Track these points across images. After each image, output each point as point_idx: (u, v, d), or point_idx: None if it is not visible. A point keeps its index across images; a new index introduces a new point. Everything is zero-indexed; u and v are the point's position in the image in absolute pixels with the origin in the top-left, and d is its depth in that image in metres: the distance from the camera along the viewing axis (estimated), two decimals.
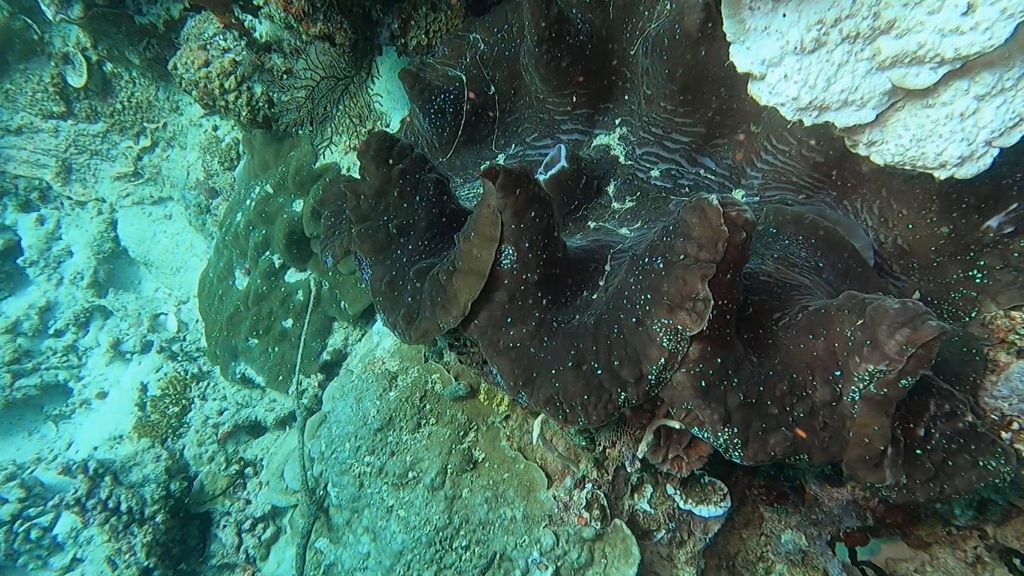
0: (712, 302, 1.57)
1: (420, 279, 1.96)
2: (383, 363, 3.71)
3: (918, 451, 1.60)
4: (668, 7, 2.47)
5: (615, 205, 2.48)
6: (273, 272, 4.95)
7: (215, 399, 5.61)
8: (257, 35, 5.09)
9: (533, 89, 2.75)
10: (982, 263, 2.16)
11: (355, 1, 3.58)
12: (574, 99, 2.67)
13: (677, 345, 1.62)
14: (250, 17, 5.07)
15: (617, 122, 2.71)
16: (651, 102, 2.51)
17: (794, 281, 1.96)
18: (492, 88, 2.80)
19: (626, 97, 2.70)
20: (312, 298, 4.58)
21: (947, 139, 1.78)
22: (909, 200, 2.23)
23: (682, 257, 1.62)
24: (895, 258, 2.32)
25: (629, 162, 2.59)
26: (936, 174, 1.85)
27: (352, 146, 4.39)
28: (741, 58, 1.93)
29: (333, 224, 2.42)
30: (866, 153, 1.95)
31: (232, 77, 4.75)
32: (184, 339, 6.50)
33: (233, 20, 4.83)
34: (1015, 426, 1.91)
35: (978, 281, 2.18)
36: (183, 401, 5.67)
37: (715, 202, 1.58)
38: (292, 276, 4.93)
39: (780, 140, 2.37)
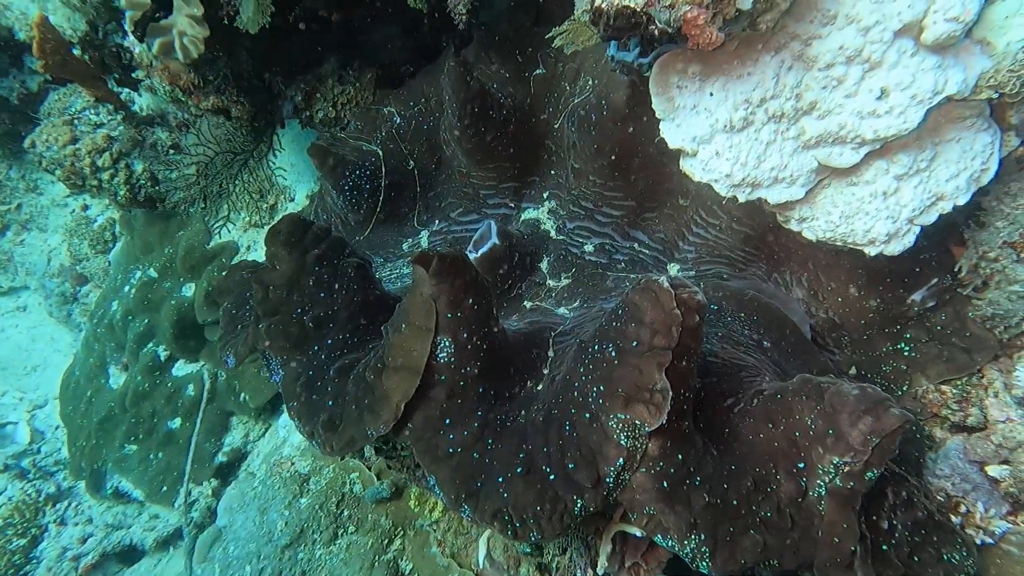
0: (671, 392, 1.51)
1: (343, 378, 1.79)
2: (292, 464, 3.39)
3: (884, 547, 1.58)
4: (591, 82, 2.54)
5: (550, 283, 2.44)
6: (157, 366, 4.50)
7: (77, 523, 4.87)
8: (136, 108, 4.83)
9: (456, 163, 2.72)
10: (908, 336, 2.27)
11: (253, 73, 3.48)
12: (499, 173, 2.66)
13: (635, 442, 1.54)
14: (127, 90, 4.82)
15: (545, 195, 2.71)
16: (580, 176, 2.53)
17: (741, 361, 1.96)
18: (411, 163, 2.74)
19: (552, 171, 2.72)
20: (205, 392, 4.18)
21: (874, 216, 1.88)
22: (836, 274, 2.33)
23: (635, 344, 1.56)
24: (827, 331, 2.40)
25: (561, 237, 2.57)
26: (866, 250, 1.94)
27: (252, 223, 4.16)
28: (672, 135, 1.99)
29: (235, 317, 2.20)
30: (798, 229, 2.02)
31: (107, 154, 4.44)
32: (38, 451, 5.68)
33: (106, 93, 4.57)
34: (962, 508, 1.96)
35: (906, 354, 2.28)
36: (32, 531, 4.87)
37: (666, 284, 1.56)
38: (181, 369, 4.50)
39: (709, 214, 2.45)
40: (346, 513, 2.96)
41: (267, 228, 4.52)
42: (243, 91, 3.39)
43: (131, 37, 3.15)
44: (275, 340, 1.84)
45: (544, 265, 2.51)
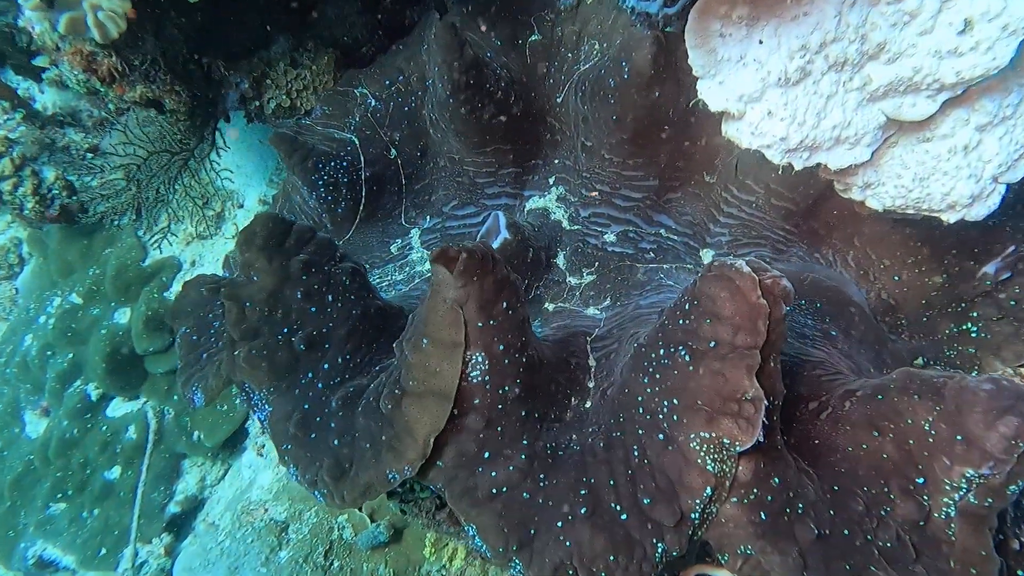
0: (763, 401, 1.32)
1: (349, 411, 1.54)
2: (264, 510, 3.10)
3: (1021, 572, 1.43)
4: (598, 46, 2.35)
5: (571, 280, 2.23)
6: (88, 407, 4.11)
7: None
8: (39, 106, 4.41)
9: (446, 149, 2.49)
10: (976, 314, 2.15)
11: (188, 56, 3.16)
12: (498, 157, 2.45)
13: (723, 466, 1.35)
14: (27, 83, 4.40)
15: (551, 181, 2.51)
16: (593, 155, 2.34)
17: (811, 357, 1.80)
18: (393, 151, 2.49)
19: (557, 152, 2.53)
20: (151, 434, 3.82)
21: (953, 176, 1.75)
22: (890, 249, 2.21)
23: (713, 344, 1.37)
24: (881, 315, 2.27)
25: (575, 227, 2.37)
26: (944, 217, 1.80)
27: (196, 235, 3.82)
28: (713, 95, 1.81)
29: (196, 344, 1.92)
30: (861, 197, 1.88)
31: (5, 160, 4.02)
32: None
33: None
34: None
35: (975, 335, 2.16)
36: None
37: (745, 268, 1.37)
38: (117, 408, 4.12)
39: (743, 190, 2.29)
40: (337, 564, 2.68)
41: (211, 241, 4.20)
42: (177, 78, 3.07)
43: (28, 13, 2.80)
44: (257, 369, 1.58)
45: (560, 260, 2.31)
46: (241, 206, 4.04)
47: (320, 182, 2.30)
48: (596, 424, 1.55)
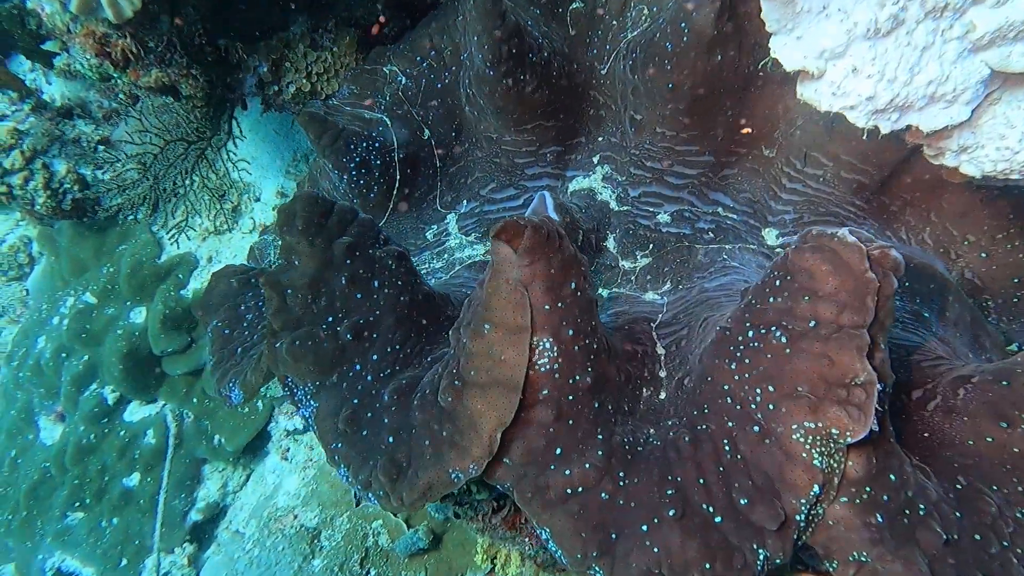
0: (877, 386, 1.20)
1: (403, 404, 1.44)
2: (294, 516, 3.00)
3: None
4: (646, 11, 2.23)
5: (624, 264, 2.12)
6: (104, 411, 4.04)
7: None
8: (47, 97, 4.34)
9: (483, 127, 2.38)
10: None
11: (205, 38, 3.08)
12: (539, 135, 2.33)
13: (831, 460, 1.23)
14: (34, 74, 4.34)
15: (595, 159, 2.39)
16: (643, 129, 2.22)
17: (905, 340, 1.68)
18: (426, 131, 2.39)
19: (602, 128, 2.41)
20: (171, 437, 3.74)
21: None
22: (976, 223, 2.08)
23: (813, 324, 1.25)
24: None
25: (624, 207, 2.26)
26: None
27: (213, 230, 3.74)
28: (789, 52, 1.69)
29: (229, 338, 1.82)
30: (955, 163, 1.75)
31: (15, 153, 3.95)
32: None
33: (6, 76, 4.08)
34: None
35: None
36: None
37: (850, 238, 1.25)
38: (135, 412, 4.05)
39: (809, 162, 2.16)
40: (374, 573, 2.59)
41: (228, 236, 4.11)
42: (194, 61, 2.98)
43: None
44: (301, 361, 1.48)
45: (611, 244, 2.19)
46: (258, 199, 3.96)
47: (352, 164, 2.20)
48: (676, 416, 1.43)
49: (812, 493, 1.23)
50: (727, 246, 2.11)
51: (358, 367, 1.51)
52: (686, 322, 1.73)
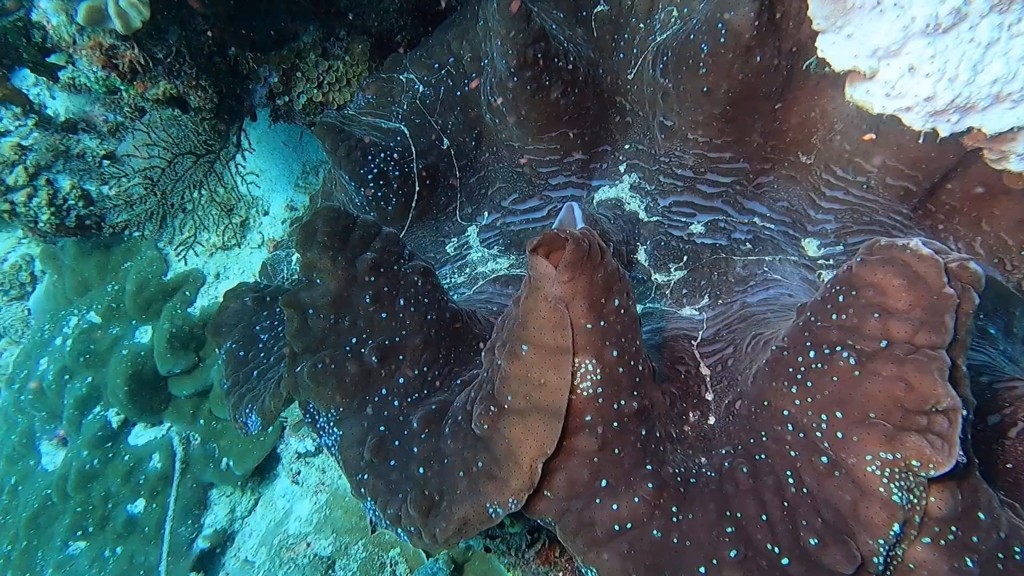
0: (962, 413, 1.11)
1: (434, 432, 1.35)
2: (307, 544, 2.90)
3: None
4: (676, 12, 2.16)
5: (657, 278, 2.03)
6: (109, 435, 3.96)
7: None
8: (51, 111, 4.31)
9: (504, 136, 2.30)
10: None
11: (214, 48, 3.03)
12: (563, 143, 2.26)
13: (911, 496, 1.13)
14: (38, 88, 4.30)
15: (622, 168, 2.31)
16: (673, 135, 2.14)
17: (974, 360, 1.58)
18: (445, 140, 2.31)
19: (628, 136, 2.33)
20: (178, 462, 3.66)
21: None
22: None
23: (884, 344, 1.16)
24: None
25: (654, 218, 2.17)
26: None
27: (220, 245, 3.67)
28: (839, 51, 1.62)
29: (244, 360, 1.74)
30: (1020, 168, 1.66)
31: (19, 169, 3.91)
32: None
33: (9, 91, 4.04)
34: None
35: None
36: None
37: (924, 249, 1.16)
38: (140, 436, 3.97)
39: (851, 169, 2.07)
40: None
41: (236, 251, 4.05)
42: (203, 72, 2.93)
43: (44, 4, 2.68)
44: (324, 386, 1.39)
45: (642, 256, 2.11)
46: (266, 213, 3.89)
47: (369, 176, 2.13)
48: (730, 444, 1.34)
49: (892, 533, 1.13)
50: (766, 258, 2.02)
51: (384, 391, 1.42)
52: (730, 339, 1.64)
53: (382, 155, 2.16)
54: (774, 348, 1.35)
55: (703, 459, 1.34)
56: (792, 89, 2.08)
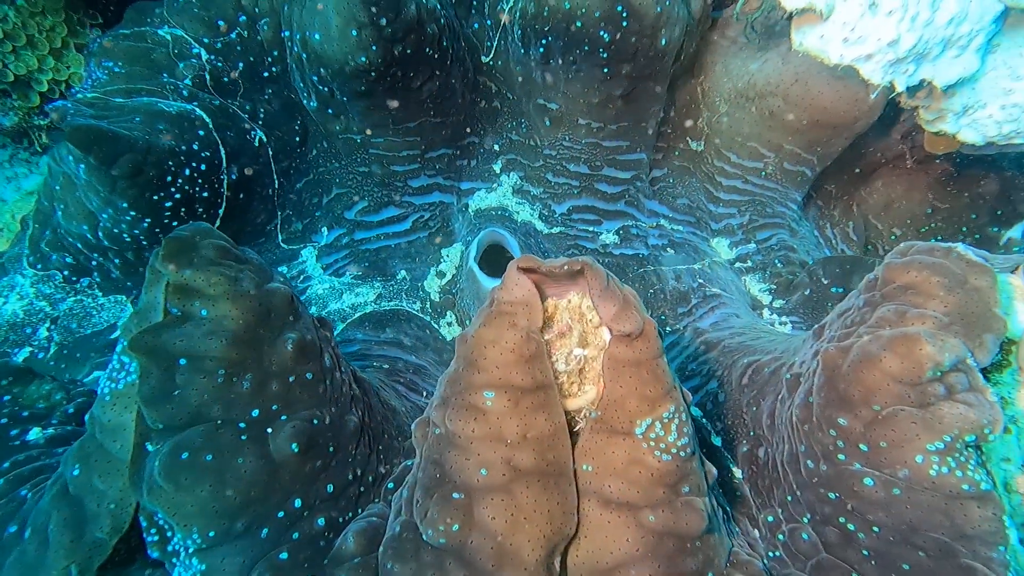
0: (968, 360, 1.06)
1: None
2: None
3: None
4: None
5: None
6: None
7: None
8: None
9: (338, 127, 1.92)
10: None
11: None
12: (426, 134, 1.95)
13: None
14: None
15: (498, 167, 2.08)
16: (560, 124, 1.97)
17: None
18: (259, 134, 1.86)
19: (499, 123, 2.10)
20: None
21: None
22: (899, 215, 2.23)
23: None
24: None
25: (555, 229, 1.97)
26: None
27: None
28: None
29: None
30: (955, 129, 1.76)
31: None
32: None
33: None
34: None
35: None
36: None
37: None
38: None
39: (750, 155, 2.07)
40: None
41: None
42: None
43: None
44: (192, 490, 0.91)
45: None
46: None
47: (168, 203, 1.59)
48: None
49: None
50: (696, 266, 1.93)
51: (298, 504, 0.97)
52: (707, 373, 1.49)
53: (187, 170, 1.61)
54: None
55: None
56: (689, 70, 2.07)
